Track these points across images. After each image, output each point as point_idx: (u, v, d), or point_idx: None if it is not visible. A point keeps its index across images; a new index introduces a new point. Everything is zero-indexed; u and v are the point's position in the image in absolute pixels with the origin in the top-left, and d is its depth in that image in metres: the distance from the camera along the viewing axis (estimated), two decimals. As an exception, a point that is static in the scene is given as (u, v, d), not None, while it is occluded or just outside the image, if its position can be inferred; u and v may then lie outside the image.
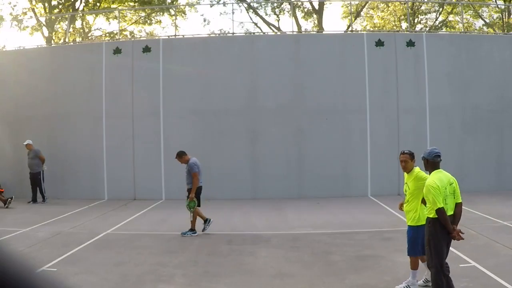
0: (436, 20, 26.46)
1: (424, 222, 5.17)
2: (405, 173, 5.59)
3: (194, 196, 8.38)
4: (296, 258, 6.82)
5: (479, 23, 26.26)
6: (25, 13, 23.69)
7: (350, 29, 21.02)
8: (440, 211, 4.59)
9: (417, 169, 5.52)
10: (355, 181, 13.36)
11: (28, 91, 14.00)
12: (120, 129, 13.67)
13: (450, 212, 4.66)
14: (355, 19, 24.88)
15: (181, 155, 8.71)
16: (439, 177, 4.75)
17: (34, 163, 13.05)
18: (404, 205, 5.57)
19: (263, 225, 9.54)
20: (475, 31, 24.68)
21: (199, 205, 8.56)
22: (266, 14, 25.83)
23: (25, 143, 13.06)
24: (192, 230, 8.43)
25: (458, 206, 4.73)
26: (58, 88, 13.96)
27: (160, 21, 25.42)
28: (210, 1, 23.84)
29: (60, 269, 6.23)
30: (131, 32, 25.56)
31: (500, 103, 13.62)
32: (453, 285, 4.65)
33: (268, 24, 25.18)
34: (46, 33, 23.09)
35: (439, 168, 4.88)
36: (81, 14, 23.97)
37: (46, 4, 23.18)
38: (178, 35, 17.49)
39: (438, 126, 13.44)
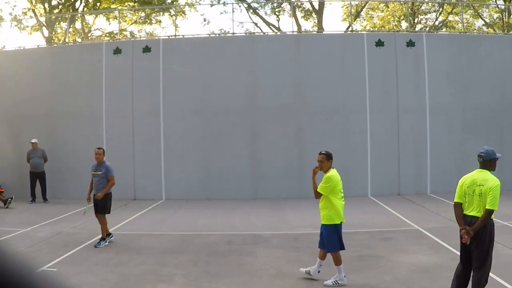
0: (436, 20, 26.47)
1: (336, 222, 5.68)
2: (323, 173, 5.85)
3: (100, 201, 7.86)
4: (296, 258, 6.82)
5: (479, 23, 26.28)
6: (25, 13, 23.70)
7: (350, 29, 21.02)
8: (454, 205, 4.73)
9: (331, 170, 5.79)
10: (355, 181, 13.35)
11: (28, 91, 14.00)
12: (120, 129, 13.67)
13: (472, 212, 4.54)
14: (355, 19, 24.88)
15: (104, 153, 8.20)
16: (468, 176, 4.81)
17: (41, 162, 13.13)
18: (320, 204, 5.82)
19: (263, 225, 9.54)
20: (475, 31, 24.68)
21: (109, 212, 8.04)
22: (266, 14, 25.86)
23: (32, 141, 13.08)
24: (104, 239, 7.82)
25: (484, 212, 4.49)
26: (58, 88, 13.96)
27: (160, 21, 25.43)
28: (210, 1, 23.84)
29: (60, 269, 6.23)
30: (131, 32, 25.57)
31: (500, 103, 13.62)
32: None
33: (268, 24, 25.19)
34: (46, 33, 23.09)
35: (481, 168, 4.80)
36: (81, 14, 23.96)
37: (46, 4, 23.17)
38: (178, 35, 17.49)
39: (438, 126, 13.44)
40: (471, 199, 4.57)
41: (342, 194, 5.81)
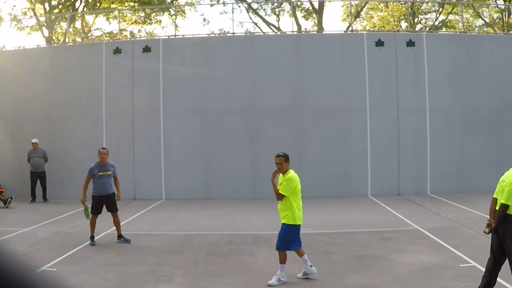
0: (436, 20, 26.47)
1: (295, 222, 5.61)
2: (280, 175, 5.83)
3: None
4: (296, 258, 6.80)
5: (479, 23, 26.27)
6: (25, 13, 23.69)
7: (350, 29, 21.02)
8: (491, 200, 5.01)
9: (290, 172, 5.83)
10: (355, 181, 13.36)
11: (28, 91, 14.00)
12: (120, 129, 13.66)
13: (498, 206, 4.82)
14: (355, 19, 24.88)
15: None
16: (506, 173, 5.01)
17: (42, 162, 13.14)
18: (279, 205, 5.78)
19: (263, 225, 9.54)
20: (475, 30, 24.69)
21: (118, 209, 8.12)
22: (266, 14, 25.85)
23: (33, 141, 13.08)
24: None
25: (499, 205, 4.79)
26: (58, 88, 13.96)
27: (160, 21, 25.42)
28: (210, 1, 23.84)
29: (60, 269, 6.23)
30: (131, 32, 25.57)
31: (500, 103, 13.61)
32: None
33: (268, 24, 25.18)
34: (46, 33, 23.08)
35: None
36: (81, 14, 23.96)
37: (46, 4, 23.17)
38: (178, 35, 17.49)
39: (438, 126, 13.44)
40: (499, 195, 4.88)
41: (300, 195, 5.81)
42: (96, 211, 7.97)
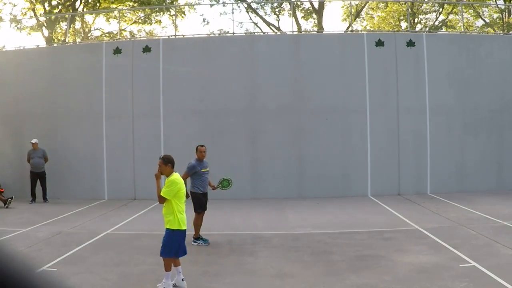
0: (436, 20, 26.48)
1: (180, 227, 5.42)
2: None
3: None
4: (296, 258, 6.82)
5: (479, 23, 26.29)
6: (25, 13, 23.69)
7: (350, 29, 21.03)
8: None
9: (173, 174, 5.62)
10: (355, 181, 13.36)
11: (28, 91, 14.00)
12: (120, 129, 13.66)
13: None
14: (355, 19, 24.89)
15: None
16: None
17: (42, 162, 13.13)
18: (163, 209, 5.63)
19: (263, 225, 9.54)
20: (475, 30, 24.69)
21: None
22: (266, 14, 25.86)
23: (32, 142, 13.08)
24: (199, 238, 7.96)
25: None
26: (58, 88, 13.96)
27: (160, 21, 25.43)
28: (210, 1, 23.85)
29: (60, 269, 6.22)
30: (131, 32, 25.58)
31: (500, 103, 13.62)
32: None
33: (268, 24, 25.20)
34: (46, 33, 23.08)
35: None
36: (81, 14, 23.96)
37: (46, 4, 23.17)
38: (178, 35, 17.48)
39: (438, 126, 13.44)
40: None
41: (184, 200, 5.64)
42: (203, 208, 7.98)
